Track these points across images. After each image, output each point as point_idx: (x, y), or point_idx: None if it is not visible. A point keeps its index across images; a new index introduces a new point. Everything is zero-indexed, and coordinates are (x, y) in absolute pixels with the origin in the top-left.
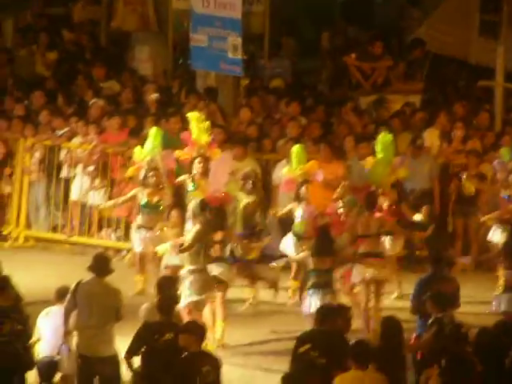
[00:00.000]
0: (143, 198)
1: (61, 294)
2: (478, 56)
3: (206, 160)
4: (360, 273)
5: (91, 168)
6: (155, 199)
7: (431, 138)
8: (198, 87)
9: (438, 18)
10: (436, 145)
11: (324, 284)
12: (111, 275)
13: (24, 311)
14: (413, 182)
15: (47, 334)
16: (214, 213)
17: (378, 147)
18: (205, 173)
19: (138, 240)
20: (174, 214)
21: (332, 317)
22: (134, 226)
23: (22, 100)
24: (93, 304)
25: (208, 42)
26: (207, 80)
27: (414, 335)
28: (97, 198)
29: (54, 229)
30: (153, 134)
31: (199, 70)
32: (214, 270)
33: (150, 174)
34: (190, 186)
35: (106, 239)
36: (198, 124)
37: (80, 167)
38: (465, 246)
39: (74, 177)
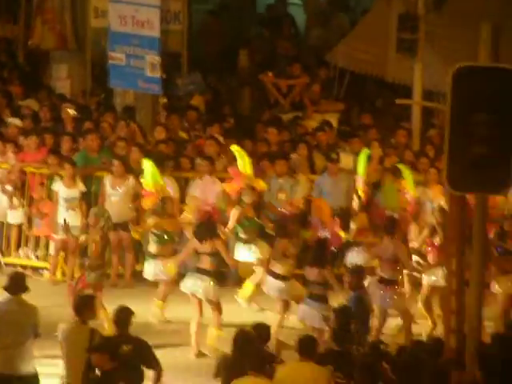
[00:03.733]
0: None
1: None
2: (396, 74)
3: (253, 191)
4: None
5: (9, 187)
6: (172, 228)
7: (346, 158)
8: (117, 105)
9: (355, 36)
10: (350, 165)
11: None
12: (30, 293)
13: None
14: (330, 201)
15: None
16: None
17: (360, 166)
18: (254, 203)
19: (151, 269)
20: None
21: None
22: (146, 253)
23: None
24: (9, 323)
25: (126, 61)
26: (126, 98)
27: None
28: (15, 217)
29: None
30: (146, 166)
31: (117, 88)
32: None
33: (163, 202)
34: (241, 220)
35: (24, 258)
36: (242, 156)
37: None
38: None
39: None
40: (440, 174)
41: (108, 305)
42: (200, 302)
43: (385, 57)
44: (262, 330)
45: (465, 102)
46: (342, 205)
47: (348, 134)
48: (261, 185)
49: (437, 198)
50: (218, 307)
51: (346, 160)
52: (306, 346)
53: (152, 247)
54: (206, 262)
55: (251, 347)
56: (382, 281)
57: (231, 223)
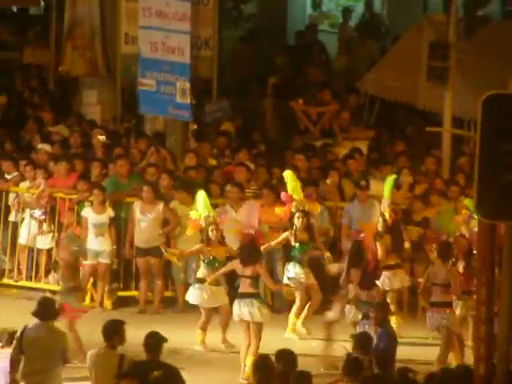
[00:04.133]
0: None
1: (9, 337)
2: (426, 101)
3: (305, 215)
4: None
5: (39, 212)
6: (221, 255)
7: (376, 185)
8: (147, 131)
9: (386, 63)
10: (380, 193)
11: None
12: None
13: None
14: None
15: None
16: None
17: (386, 190)
18: (306, 227)
19: (197, 295)
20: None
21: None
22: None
23: None
24: (38, 348)
25: (156, 87)
26: (156, 124)
27: None
28: (45, 243)
29: (2, 273)
30: (200, 196)
31: (148, 115)
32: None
33: (210, 228)
34: (293, 241)
35: (53, 283)
36: (292, 181)
37: (28, 211)
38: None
39: (22, 221)
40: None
41: (138, 331)
42: (249, 326)
43: (415, 84)
44: (284, 357)
45: (494, 130)
46: None
47: (379, 161)
48: (315, 208)
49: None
50: (259, 332)
51: (376, 187)
52: (353, 367)
53: (201, 272)
54: (249, 286)
55: (271, 375)
56: (433, 304)
57: (274, 243)
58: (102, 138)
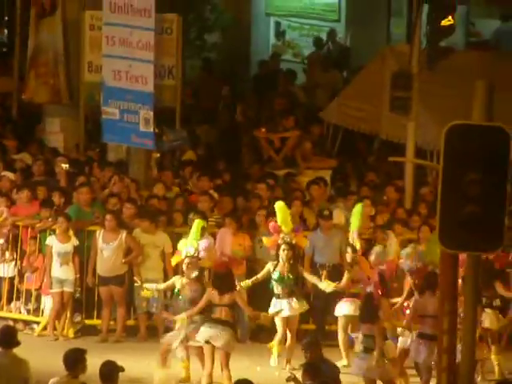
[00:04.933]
0: (178, 287)
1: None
2: (390, 131)
3: (291, 247)
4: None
5: (1, 241)
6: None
7: (338, 214)
8: (110, 160)
9: (349, 93)
10: (342, 222)
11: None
12: (21, 347)
13: None
14: (323, 257)
15: None
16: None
17: (353, 220)
18: (289, 259)
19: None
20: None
21: None
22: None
23: None
24: (0, 376)
25: (119, 115)
26: (119, 152)
27: None
28: (7, 271)
29: None
30: (195, 225)
31: (111, 143)
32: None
33: (187, 263)
34: (274, 274)
35: (16, 312)
36: (283, 213)
37: None
38: None
39: None
40: (433, 232)
41: (99, 359)
42: (213, 351)
43: (378, 114)
44: None
45: (458, 161)
46: (335, 261)
47: (344, 190)
48: (302, 242)
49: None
50: (228, 361)
51: (338, 217)
52: None
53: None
54: (226, 313)
55: None
56: (423, 336)
57: (260, 276)
58: (65, 166)
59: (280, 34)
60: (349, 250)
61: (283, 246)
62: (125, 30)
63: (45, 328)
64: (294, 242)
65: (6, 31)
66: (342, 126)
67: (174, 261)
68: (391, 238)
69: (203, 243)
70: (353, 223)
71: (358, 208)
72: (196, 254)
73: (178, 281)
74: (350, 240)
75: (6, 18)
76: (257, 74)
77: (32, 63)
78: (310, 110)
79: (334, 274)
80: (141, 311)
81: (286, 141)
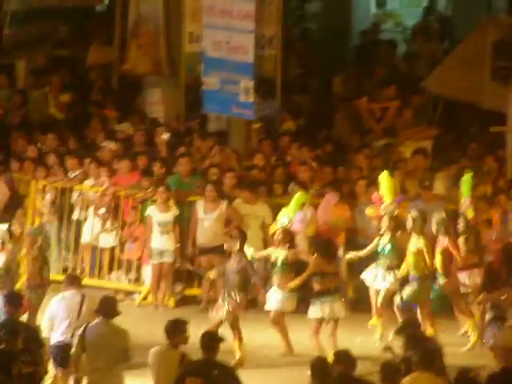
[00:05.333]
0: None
1: (70, 279)
2: (490, 101)
3: (392, 219)
4: None
5: (102, 210)
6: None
7: (439, 184)
8: (210, 130)
9: (450, 63)
10: (442, 191)
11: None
12: (121, 317)
13: (38, 353)
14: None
15: (60, 317)
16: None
17: (464, 188)
18: (393, 230)
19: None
20: None
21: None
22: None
23: (35, 142)
24: (101, 346)
25: (220, 86)
26: (219, 123)
27: None
28: (108, 241)
29: (65, 271)
30: (296, 198)
31: (211, 114)
32: None
33: (278, 232)
34: (381, 245)
35: (117, 281)
36: (387, 183)
37: (91, 209)
38: None
39: (86, 219)
40: None
41: (198, 329)
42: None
43: (480, 84)
44: (343, 357)
45: None
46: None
47: (445, 161)
48: (404, 213)
49: None
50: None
51: (439, 187)
52: (389, 374)
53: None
54: (334, 281)
55: (328, 375)
56: None
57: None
58: (165, 136)
59: (381, 3)
60: (461, 219)
61: (385, 218)
62: None
63: (145, 298)
64: (396, 213)
65: (106, 1)
66: (442, 96)
67: (270, 230)
68: None
69: (299, 215)
70: (464, 192)
71: (467, 176)
72: (289, 226)
73: (273, 251)
74: (463, 209)
75: None
76: (358, 44)
77: (133, 34)
78: (410, 80)
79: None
80: None
81: (386, 111)
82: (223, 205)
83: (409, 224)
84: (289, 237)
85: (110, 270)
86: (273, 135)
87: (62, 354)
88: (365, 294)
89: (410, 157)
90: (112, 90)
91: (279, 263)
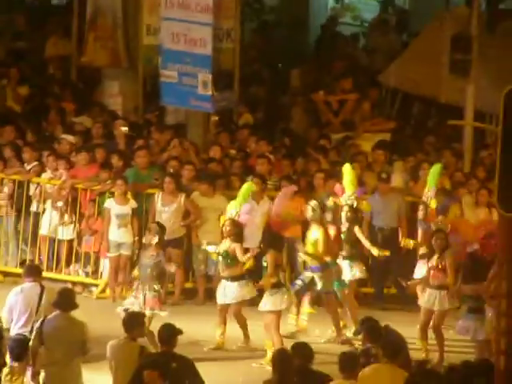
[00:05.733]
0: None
1: (29, 270)
2: (448, 95)
3: (352, 210)
4: None
5: (60, 203)
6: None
7: (397, 177)
8: (168, 123)
9: (408, 57)
10: (400, 184)
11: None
12: (79, 310)
13: None
14: (381, 221)
15: (19, 310)
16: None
17: (431, 178)
18: (351, 221)
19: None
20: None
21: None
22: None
23: None
24: (58, 339)
25: (178, 78)
26: (178, 116)
27: None
28: (66, 234)
29: (23, 264)
30: (243, 189)
31: (169, 106)
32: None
33: (226, 224)
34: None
35: (74, 275)
36: (349, 176)
37: (49, 202)
38: None
39: (44, 212)
40: (491, 195)
41: (156, 322)
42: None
43: (437, 78)
44: (302, 349)
45: None
46: (393, 225)
47: (403, 154)
48: (364, 207)
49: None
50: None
51: (397, 180)
52: (347, 363)
53: None
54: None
55: (289, 367)
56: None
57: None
58: (124, 129)
59: None
60: (421, 208)
61: (345, 208)
62: None
63: (103, 291)
64: (355, 205)
65: None
66: (400, 90)
67: (221, 222)
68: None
69: (246, 206)
70: (429, 182)
71: (436, 168)
72: (236, 217)
73: (222, 243)
74: (425, 199)
75: None
76: (317, 37)
77: (91, 26)
78: (368, 73)
79: (392, 237)
80: (199, 274)
81: (344, 104)
82: (181, 197)
83: (308, 214)
84: (236, 228)
85: (68, 262)
86: (230, 128)
87: (19, 348)
88: None
89: (370, 150)
90: (70, 82)
91: (222, 255)
